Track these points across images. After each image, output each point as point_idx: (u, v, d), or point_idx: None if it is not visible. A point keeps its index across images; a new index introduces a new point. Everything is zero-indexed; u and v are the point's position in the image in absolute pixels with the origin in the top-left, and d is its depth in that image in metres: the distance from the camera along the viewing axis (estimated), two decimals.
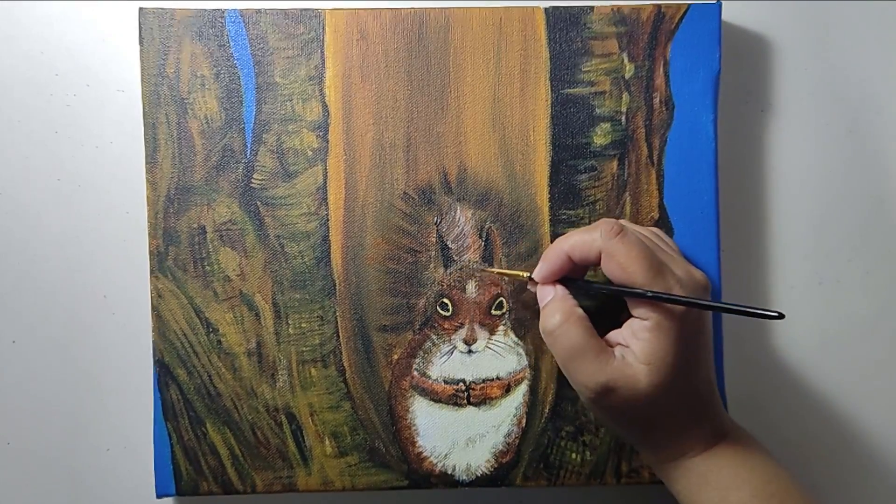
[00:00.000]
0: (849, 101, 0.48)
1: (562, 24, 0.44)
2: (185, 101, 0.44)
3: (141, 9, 0.44)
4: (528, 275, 0.43)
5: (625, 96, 0.45)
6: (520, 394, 0.45)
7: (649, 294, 0.38)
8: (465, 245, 0.45)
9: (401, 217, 0.45)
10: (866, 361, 0.48)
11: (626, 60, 0.44)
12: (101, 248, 0.47)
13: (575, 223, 0.45)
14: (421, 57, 0.44)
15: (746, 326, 0.48)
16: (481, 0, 0.47)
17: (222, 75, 0.44)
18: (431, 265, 0.45)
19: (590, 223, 0.44)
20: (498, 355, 0.45)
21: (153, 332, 0.44)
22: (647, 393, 0.38)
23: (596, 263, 0.40)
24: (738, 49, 0.48)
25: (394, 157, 0.45)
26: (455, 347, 0.45)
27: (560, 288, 0.41)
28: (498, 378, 0.45)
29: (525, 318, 0.45)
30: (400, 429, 0.45)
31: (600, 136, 0.45)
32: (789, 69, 0.48)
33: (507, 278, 0.44)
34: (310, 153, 0.44)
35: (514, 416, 0.45)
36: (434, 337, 0.45)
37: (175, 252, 0.44)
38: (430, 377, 0.45)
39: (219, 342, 0.44)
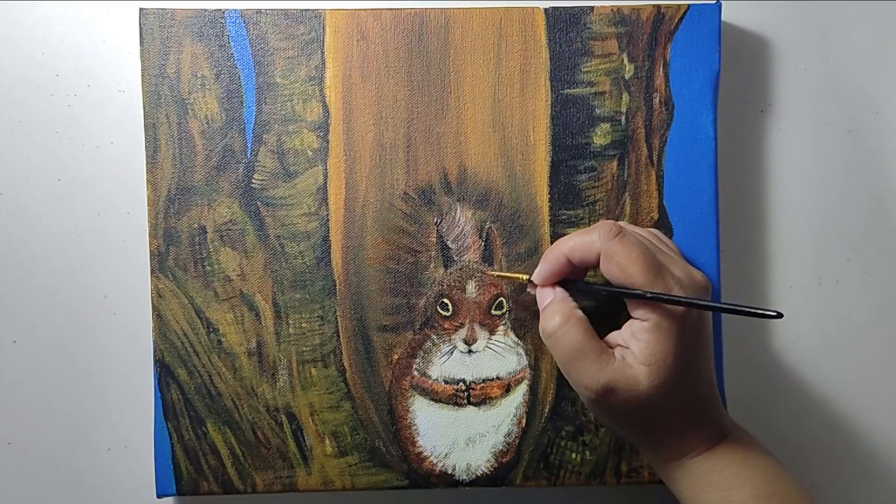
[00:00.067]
0: (849, 101, 0.48)
1: (562, 24, 0.44)
2: (186, 101, 0.44)
3: (141, 9, 0.44)
4: (528, 277, 0.43)
5: (625, 97, 0.45)
6: (520, 394, 0.45)
7: (648, 295, 0.38)
8: (465, 245, 0.45)
9: (401, 217, 0.45)
10: (866, 361, 0.48)
11: (625, 61, 0.45)
12: (101, 249, 0.47)
13: (575, 223, 0.45)
14: (421, 57, 0.44)
15: (746, 327, 0.48)
16: (481, 0, 0.47)
17: (223, 75, 0.44)
18: (431, 265, 0.45)
19: (590, 223, 0.44)
20: (498, 355, 0.45)
21: (153, 332, 0.44)
22: (648, 394, 0.38)
23: (595, 265, 0.40)
24: (737, 49, 0.48)
25: (394, 158, 0.45)
26: (455, 347, 0.45)
27: (559, 290, 0.41)
28: (498, 378, 0.45)
29: (525, 319, 0.45)
30: (400, 429, 0.45)
31: (600, 137, 0.45)
32: (789, 69, 0.48)
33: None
34: (310, 153, 0.44)
35: (514, 416, 0.45)
36: (434, 337, 0.45)
37: (175, 252, 0.44)
38: (430, 377, 0.45)
39: (219, 342, 0.45)
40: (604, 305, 0.43)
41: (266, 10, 0.44)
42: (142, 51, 0.44)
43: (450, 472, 0.44)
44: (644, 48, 0.44)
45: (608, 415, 0.40)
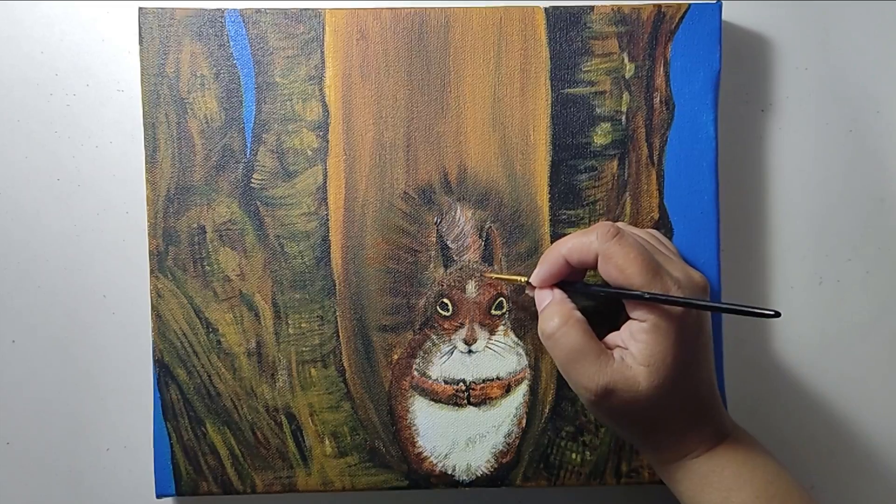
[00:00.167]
0: (849, 101, 0.48)
1: (562, 23, 0.44)
2: (185, 100, 0.44)
3: (141, 9, 0.44)
4: (526, 279, 0.43)
5: (625, 96, 0.45)
6: (520, 394, 0.45)
7: (647, 296, 0.38)
8: (465, 245, 0.45)
9: (401, 217, 0.45)
10: (866, 361, 0.48)
11: (626, 60, 0.44)
12: (100, 248, 0.47)
13: (575, 223, 0.45)
14: (421, 57, 0.44)
15: (746, 327, 0.48)
16: (481, 0, 0.47)
17: (222, 75, 0.44)
18: (431, 265, 0.45)
19: (590, 223, 0.44)
20: (498, 355, 0.45)
21: (153, 332, 0.44)
22: (647, 394, 0.38)
23: (593, 266, 0.40)
24: (738, 49, 0.48)
25: (394, 157, 0.45)
26: (455, 347, 0.45)
27: (558, 291, 0.41)
28: (498, 378, 0.45)
29: (525, 319, 0.45)
30: (400, 429, 0.45)
31: (600, 136, 0.45)
32: (789, 69, 0.48)
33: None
34: (310, 153, 0.44)
35: (514, 417, 0.45)
36: (434, 337, 0.45)
37: (175, 252, 0.44)
38: (430, 377, 0.45)
39: (218, 342, 0.44)
40: (602, 306, 0.42)
41: (265, 9, 0.44)
42: (141, 50, 0.44)
43: (450, 472, 0.44)
44: (644, 47, 0.44)
45: (608, 416, 0.40)
